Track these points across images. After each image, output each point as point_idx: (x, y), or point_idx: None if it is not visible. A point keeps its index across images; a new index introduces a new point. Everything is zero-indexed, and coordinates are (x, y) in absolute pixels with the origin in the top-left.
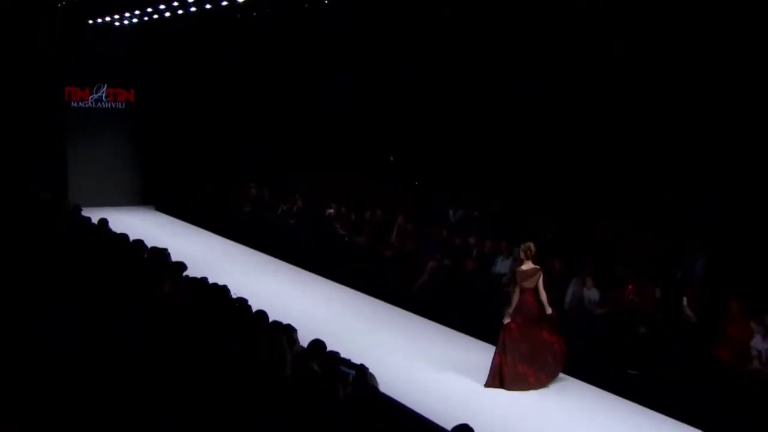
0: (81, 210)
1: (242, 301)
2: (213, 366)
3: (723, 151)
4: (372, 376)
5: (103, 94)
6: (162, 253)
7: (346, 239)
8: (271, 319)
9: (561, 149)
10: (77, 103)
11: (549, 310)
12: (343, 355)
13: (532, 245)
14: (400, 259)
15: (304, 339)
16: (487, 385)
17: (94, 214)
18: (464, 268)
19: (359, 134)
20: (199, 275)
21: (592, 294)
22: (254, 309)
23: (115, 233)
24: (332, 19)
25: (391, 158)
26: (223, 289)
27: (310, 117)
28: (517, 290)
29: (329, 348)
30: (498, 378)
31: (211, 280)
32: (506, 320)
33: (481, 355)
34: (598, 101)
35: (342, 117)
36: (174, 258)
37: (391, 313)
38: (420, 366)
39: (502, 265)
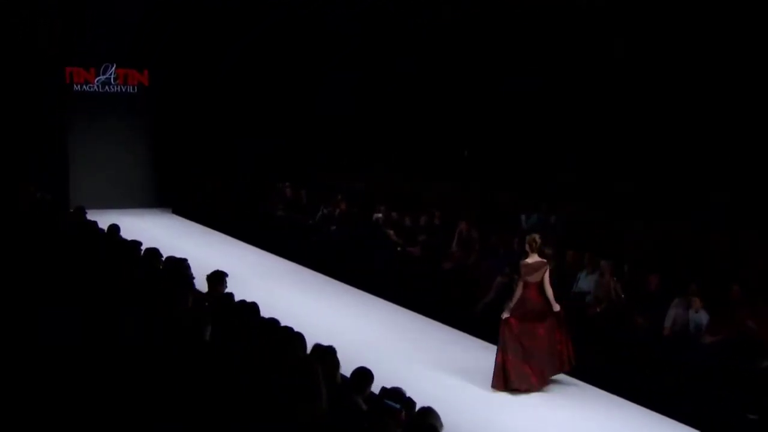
0: (86, 213)
1: (273, 323)
2: (240, 405)
3: None
4: (430, 414)
5: (112, 76)
6: (180, 265)
7: (399, 249)
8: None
9: (661, 142)
10: (80, 87)
11: (556, 307)
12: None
13: (537, 237)
14: (462, 273)
15: (344, 365)
16: (493, 386)
17: (101, 218)
18: None
19: (413, 127)
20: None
21: (699, 317)
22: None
23: (125, 241)
24: None
25: (466, 153)
26: (252, 308)
27: (355, 108)
28: (521, 284)
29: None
30: (502, 378)
31: (237, 296)
32: (505, 315)
33: (572, 392)
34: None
35: (399, 109)
36: (195, 270)
37: (450, 337)
38: (493, 411)
39: (585, 282)
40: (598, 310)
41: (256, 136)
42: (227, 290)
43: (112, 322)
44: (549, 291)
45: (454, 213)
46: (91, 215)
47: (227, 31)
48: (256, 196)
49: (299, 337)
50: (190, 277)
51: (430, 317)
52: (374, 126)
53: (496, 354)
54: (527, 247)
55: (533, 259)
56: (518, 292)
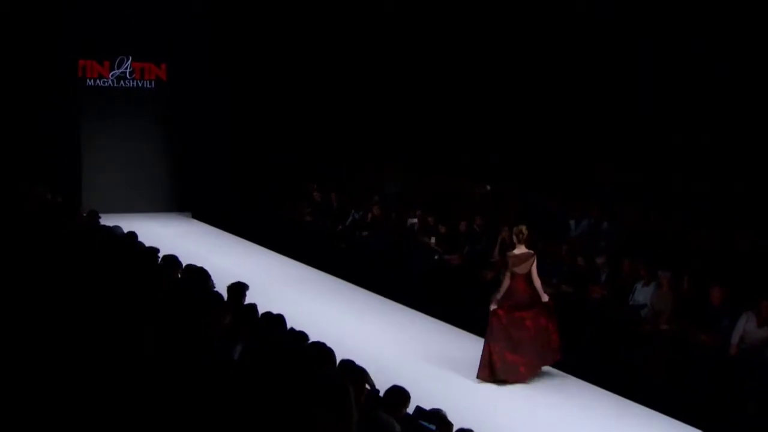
0: (99, 217)
1: (300, 337)
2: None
3: None
4: None
5: (127, 70)
6: (200, 275)
7: (437, 257)
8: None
9: (733, 142)
10: (94, 81)
11: (545, 297)
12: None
13: (524, 228)
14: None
15: (377, 383)
16: (479, 377)
17: (116, 223)
18: (590, 296)
19: (453, 125)
20: (246, 301)
21: None
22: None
23: (142, 247)
24: None
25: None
26: (278, 321)
27: (391, 102)
28: (508, 275)
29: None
30: (489, 368)
31: (261, 308)
32: (493, 306)
33: (620, 411)
34: None
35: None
36: (216, 279)
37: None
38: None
39: (641, 294)
40: (665, 327)
41: (282, 134)
42: (250, 301)
43: (126, 338)
44: (537, 282)
45: (496, 218)
46: (105, 220)
47: (251, 21)
48: (282, 199)
49: (330, 354)
50: (213, 290)
51: (470, 332)
52: (411, 123)
53: (483, 345)
54: (514, 239)
55: (521, 250)
56: (505, 283)
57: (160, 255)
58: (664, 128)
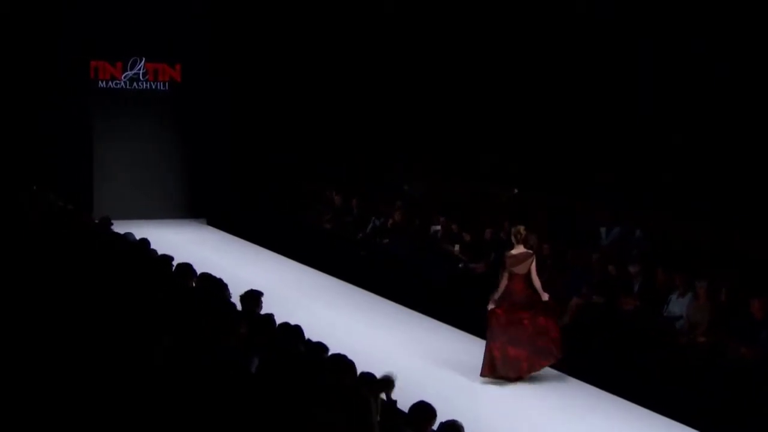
0: (111, 224)
1: (319, 348)
2: None
3: None
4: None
5: (141, 71)
6: (216, 285)
7: (461, 266)
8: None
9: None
10: (106, 83)
11: (545, 296)
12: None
13: (522, 228)
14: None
15: (400, 398)
16: (483, 374)
17: (128, 230)
18: (621, 306)
19: (478, 127)
20: (263, 311)
21: None
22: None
23: (155, 255)
24: None
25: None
26: (296, 332)
27: (413, 103)
28: (506, 275)
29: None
30: (491, 365)
31: (279, 318)
32: (491, 306)
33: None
34: None
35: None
36: (232, 288)
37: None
38: None
39: (676, 305)
40: (702, 339)
41: (301, 137)
42: (267, 311)
43: (138, 350)
44: (537, 282)
45: (523, 225)
46: (117, 226)
47: (268, 21)
48: (300, 205)
49: (351, 367)
50: (229, 300)
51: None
52: (434, 124)
53: (485, 345)
54: (513, 239)
55: (519, 250)
56: (503, 283)
57: (174, 263)
58: (700, 132)
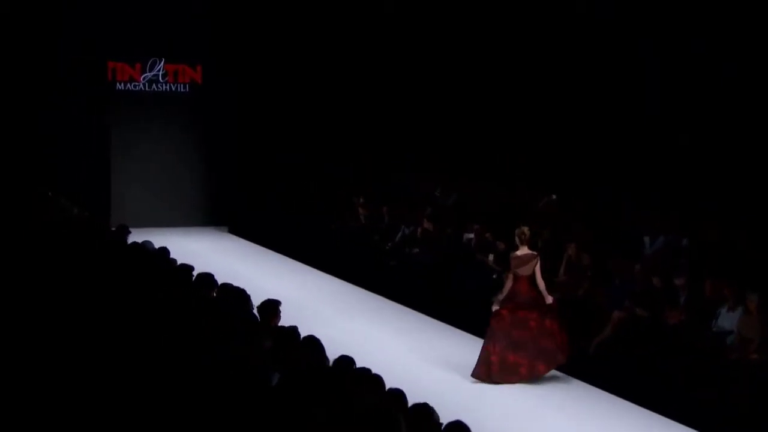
0: (129, 233)
1: (344, 362)
2: None
3: None
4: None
5: (160, 73)
6: (238, 296)
7: (495, 277)
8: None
9: None
10: (124, 85)
11: (549, 299)
12: None
13: (526, 229)
14: (572, 306)
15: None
16: (474, 374)
17: (146, 238)
18: (666, 320)
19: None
20: (287, 323)
21: None
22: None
23: (174, 265)
24: None
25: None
26: (317, 345)
27: (446, 104)
28: (511, 277)
29: None
30: (486, 368)
31: (303, 331)
32: (495, 307)
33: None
34: None
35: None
36: (255, 299)
37: (559, 383)
38: None
39: (726, 319)
40: (754, 356)
41: (327, 142)
42: (291, 323)
43: (155, 362)
44: (541, 283)
45: (560, 234)
46: (135, 235)
47: (294, 19)
48: (326, 213)
49: (377, 381)
50: (252, 312)
51: None
52: (465, 126)
53: (483, 346)
54: (516, 240)
55: (523, 251)
56: (508, 284)
57: (194, 273)
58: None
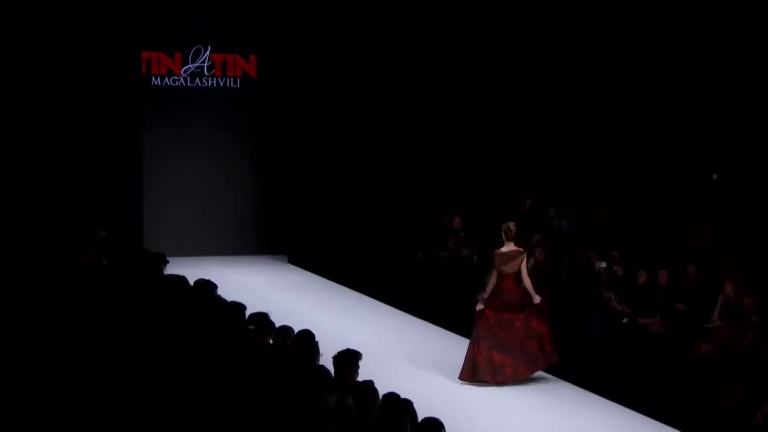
0: (167, 262)
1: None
2: None
3: None
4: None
5: (205, 64)
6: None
7: (625, 321)
8: None
9: None
10: (161, 80)
11: (537, 299)
12: None
13: (512, 225)
14: (729, 362)
15: None
16: (462, 377)
17: (188, 270)
18: None
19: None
20: (363, 377)
21: None
22: None
23: (222, 303)
24: None
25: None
26: (407, 406)
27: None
28: (494, 274)
29: None
30: (471, 369)
31: (383, 388)
32: (479, 306)
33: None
34: None
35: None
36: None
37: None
38: None
39: None
40: None
41: (406, 150)
42: (366, 376)
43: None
44: (527, 281)
45: (717, 264)
46: (174, 265)
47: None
48: (410, 238)
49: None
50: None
51: (678, 429)
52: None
53: (468, 346)
54: (502, 236)
55: (509, 248)
56: (492, 282)
57: (247, 312)
58: None
